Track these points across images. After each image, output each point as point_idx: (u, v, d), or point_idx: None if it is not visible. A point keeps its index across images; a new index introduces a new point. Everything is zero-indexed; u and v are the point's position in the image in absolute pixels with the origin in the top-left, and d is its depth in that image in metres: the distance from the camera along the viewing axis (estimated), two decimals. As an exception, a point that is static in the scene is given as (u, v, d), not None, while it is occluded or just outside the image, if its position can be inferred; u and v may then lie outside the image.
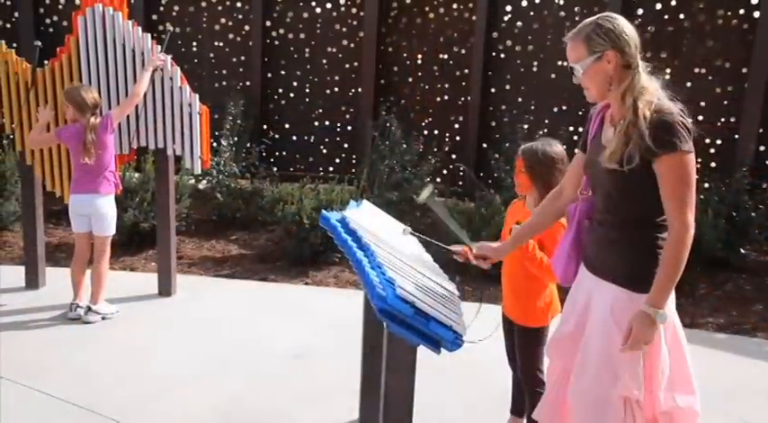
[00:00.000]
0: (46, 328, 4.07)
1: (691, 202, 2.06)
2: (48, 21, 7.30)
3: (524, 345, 2.84)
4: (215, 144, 6.30)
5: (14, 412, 3.18)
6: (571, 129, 6.45)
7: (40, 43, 4.42)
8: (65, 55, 4.37)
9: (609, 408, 2.19)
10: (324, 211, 2.65)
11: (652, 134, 2.03)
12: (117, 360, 3.75)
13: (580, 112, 6.42)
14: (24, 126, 4.42)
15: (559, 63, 6.45)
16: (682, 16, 6.13)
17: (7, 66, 4.38)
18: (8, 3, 7.30)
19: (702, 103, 6.03)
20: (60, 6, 7.25)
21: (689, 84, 6.02)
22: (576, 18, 6.30)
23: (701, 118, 5.95)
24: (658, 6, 6.15)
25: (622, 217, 2.19)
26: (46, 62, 4.41)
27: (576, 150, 2.44)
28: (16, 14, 7.27)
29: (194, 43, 7.22)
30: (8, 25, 7.33)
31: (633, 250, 2.18)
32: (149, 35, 4.34)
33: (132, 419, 3.16)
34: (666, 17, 6.15)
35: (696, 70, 6.12)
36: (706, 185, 5.51)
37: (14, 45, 6.46)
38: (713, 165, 6.04)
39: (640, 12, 6.15)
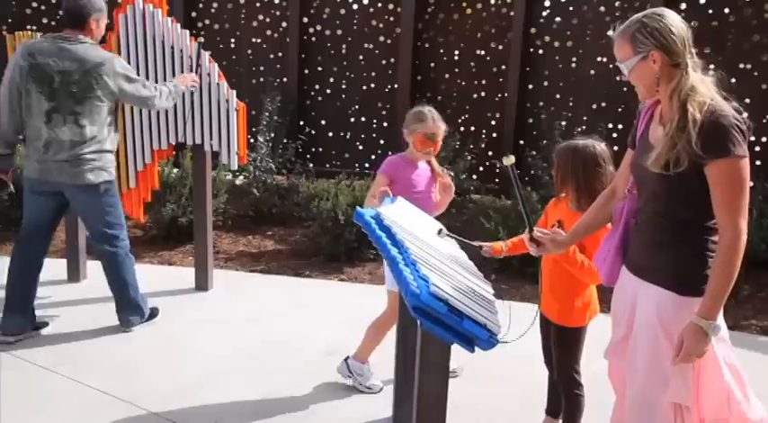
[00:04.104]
0: (86, 321, 4.14)
1: (744, 209, 1.99)
2: (90, 18, 7.44)
3: (562, 345, 2.80)
4: (252, 140, 6.36)
5: (58, 403, 3.25)
6: (610, 126, 6.35)
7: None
8: (106, 52, 4.44)
9: (658, 413, 2.14)
10: (358, 208, 2.64)
11: (703, 138, 1.95)
12: (155, 353, 3.80)
13: (620, 109, 6.31)
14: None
15: (599, 59, 6.35)
16: (727, 10, 5.98)
17: (51, 62, 4.47)
18: (53, 1, 7.46)
19: (747, 100, 5.88)
20: (103, 4, 7.38)
21: (733, 80, 5.86)
22: (617, 14, 6.19)
23: (745, 115, 5.79)
24: (702, 0, 6.01)
25: (670, 219, 2.11)
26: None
27: (628, 148, 2.36)
28: (60, 13, 7.42)
29: (232, 39, 7.28)
30: (53, 23, 7.49)
31: (680, 253, 2.11)
32: (188, 32, 4.39)
33: (172, 412, 3.20)
34: (711, 11, 6.01)
35: (741, 66, 5.97)
36: (751, 184, 5.37)
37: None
38: (758, 163, 5.88)
39: (683, 6, 6.02)
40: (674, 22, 2.07)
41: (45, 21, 7.49)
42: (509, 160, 2.44)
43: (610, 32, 2.21)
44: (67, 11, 3.73)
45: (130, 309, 3.99)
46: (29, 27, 7.10)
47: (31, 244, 3.90)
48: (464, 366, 3.57)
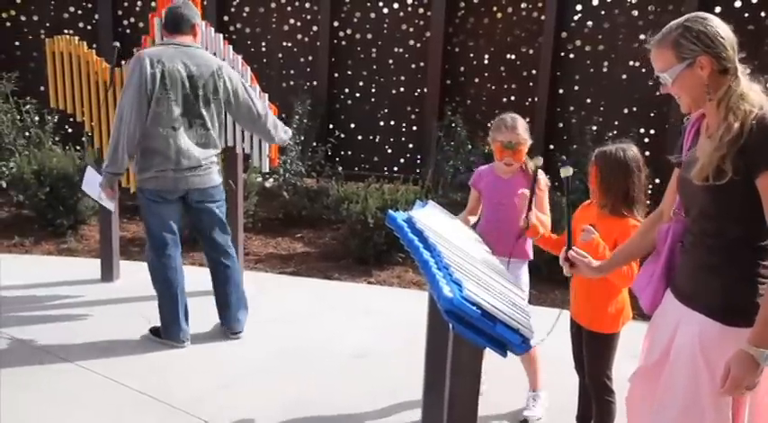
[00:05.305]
0: (119, 320, 4.21)
1: None
2: (125, 22, 7.58)
3: (593, 351, 2.78)
4: (282, 143, 6.40)
5: (93, 401, 3.31)
6: (642, 131, 6.28)
7: (118, 44, 4.58)
8: (141, 55, 4.51)
9: None
10: (390, 211, 2.65)
11: (754, 146, 1.81)
12: (186, 353, 3.85)
13: (652, 114, 6.24)
14: (102, 124, 4.59)
15: (631, 63, 6.29)
16: (763, 14, 5.89)
17: (88, 66, 4.56)
18: (89, 5, 7.60)
19: (784, 105, 5.77)
20: (137, 8, 7.50)
21: (769, 85, 5.77)
22: (650, 17, 6.13)
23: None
24: (738, 4, 5.93)
25: (719, 238, 1.94)
26: (123, 62, 4.57)
27: (674, 170, 2.20)
28: (96, 17, 7.56)
29: (263, 43, 7.35)
30: (89, 27, 7.63)
31: (728, 277, 1.93)
32: (221, 35, 4.44)
33: (203, 411, 3.24)
34: (747, 15, 5.92)
35: (778, 70, 5.87)
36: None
37: (95, 46, 6.72)
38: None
39: (718, 10, 5.93)
40: (721, 25, 1.95)
41: (81, 25, 7.63)
42: (566, 171, 2.36)
43: (648, 39, 2.04)
44: (176, 17, 3.80)
45: (245, 308, 4.10)
46: (66, 31, 7.24)
47: (176, 248, 3.94)
48: (493, 371, 3.55)
